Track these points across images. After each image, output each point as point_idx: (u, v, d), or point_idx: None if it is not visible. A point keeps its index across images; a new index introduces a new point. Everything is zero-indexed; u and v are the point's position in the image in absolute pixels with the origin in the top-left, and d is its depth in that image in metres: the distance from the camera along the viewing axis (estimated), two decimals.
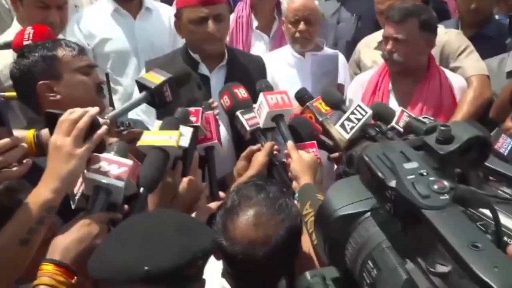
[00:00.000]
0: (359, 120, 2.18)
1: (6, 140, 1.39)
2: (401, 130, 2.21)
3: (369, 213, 0.88)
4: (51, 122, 1.54)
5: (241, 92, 2.24)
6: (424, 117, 1.93)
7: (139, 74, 2.73)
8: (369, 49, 3.30)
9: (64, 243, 1.39)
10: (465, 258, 0.65)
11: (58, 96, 1.91)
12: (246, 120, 2.17)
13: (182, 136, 1.77)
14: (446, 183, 0.73)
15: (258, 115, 2.17)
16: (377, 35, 3.28)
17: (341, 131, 2.19)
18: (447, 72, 2.91)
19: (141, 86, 1.93)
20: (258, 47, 3.50)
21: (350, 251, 0.87)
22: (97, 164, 1.51)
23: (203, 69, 2.61)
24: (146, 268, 1.18)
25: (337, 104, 2.34)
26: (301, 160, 1.99)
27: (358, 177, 0.93)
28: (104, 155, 1.54)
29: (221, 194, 2.02)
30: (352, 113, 2.20)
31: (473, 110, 2.80)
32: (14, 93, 2.05)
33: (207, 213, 1.80)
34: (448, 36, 3.04)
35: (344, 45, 3.64)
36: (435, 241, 0.70)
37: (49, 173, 1.44)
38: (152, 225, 1.32)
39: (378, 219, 0.85)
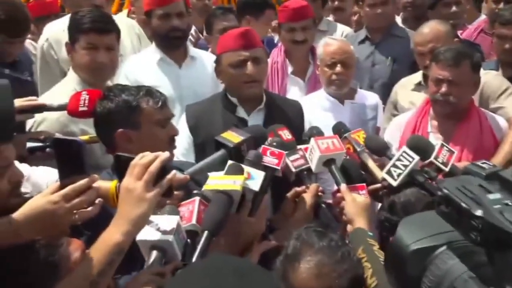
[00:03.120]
0: (406, 166, 2.14)
1: (83, 181, 1.46)
2: (442, 167, 2.18)
3: (445, 246, 0.88)
4: (121, 165, 1.58)
5: (285, 134, 2.28)
6: (483, 163, 1.82)
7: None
8: (406, 90, 3.32)
9: None
10: None
11: (133, 145, 1.97)
12: (291, 162, 2.19)
13: (253, 180, 1.81)
14: None
15: (310, 160, 2.20)
16: (414, 77, 3.33)
17: (388, 178, 2.16)
18: (487, 113, 2.90)
19: (219, 144, 2.03)
20: (294, 92, 3.54)
21: (427, 285, 0.87)
22: (146, 226, 1.56)
23: (241, 112, 2.66)
24: None
25: (382, 150, 2.34)
26: (355, 203, 1.98)
27: (427, 213, 0.93)
28: (151, 217, 1.57)
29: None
30: (398, 159, 2.17)
31: None
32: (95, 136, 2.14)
33: (259, 252, 1.81)
34: (487, 77, 3.05)
35: (380, 87, 3.67)
36: None
37: (120, 216, 1.47)
38: (210, 270, 1.32)
39: (456, 252, 0.85)
